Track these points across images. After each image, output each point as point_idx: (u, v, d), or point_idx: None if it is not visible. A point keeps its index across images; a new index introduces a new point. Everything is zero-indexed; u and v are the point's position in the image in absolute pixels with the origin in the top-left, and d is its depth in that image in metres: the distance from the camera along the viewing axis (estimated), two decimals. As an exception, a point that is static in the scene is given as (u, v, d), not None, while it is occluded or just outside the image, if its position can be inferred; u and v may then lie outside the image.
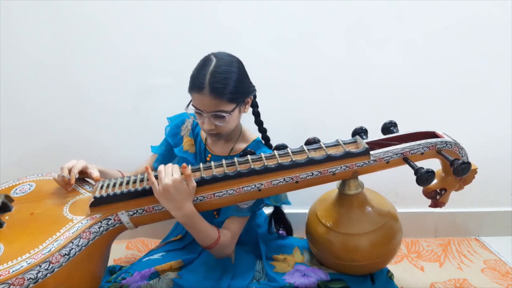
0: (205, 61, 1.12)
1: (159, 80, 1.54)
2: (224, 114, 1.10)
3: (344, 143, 1.10)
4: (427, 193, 1.18)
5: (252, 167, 1.04)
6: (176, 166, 1.03)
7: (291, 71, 1.54)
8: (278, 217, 1.41)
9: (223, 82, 1.08)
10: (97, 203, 1.02)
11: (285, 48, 1.51)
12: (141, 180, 1.07)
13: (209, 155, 1.29)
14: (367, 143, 1.09)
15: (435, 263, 1.57)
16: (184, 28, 1.47)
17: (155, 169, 1.35)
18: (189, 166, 1.05)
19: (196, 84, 1.09)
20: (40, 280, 0.86)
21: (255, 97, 1.24)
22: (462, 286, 1.44)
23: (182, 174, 1.01)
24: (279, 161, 1.05)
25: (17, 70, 1.50)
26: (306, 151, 1.08)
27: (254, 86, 1.20)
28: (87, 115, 1.58)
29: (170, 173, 1.00)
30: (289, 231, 1.44)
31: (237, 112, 1.16)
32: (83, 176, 1.16)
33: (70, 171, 1.10)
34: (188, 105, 1.16)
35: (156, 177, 1.01)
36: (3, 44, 1.46)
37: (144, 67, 1.53)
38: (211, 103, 1.08)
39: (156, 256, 1.26)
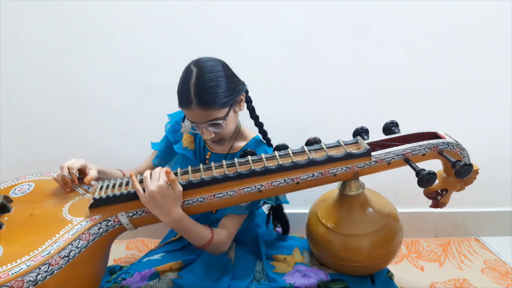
0: (186, 74, 1.07)
1: (160, 80, 1.54)
2: (219, 122, 1.07)
3: (345, 144, 1.09)
4: (428, 194, 1.18)
5: (252, 168, 1.04)
6: (163, 171, 1.01)
7: (291, 71, 1.54)
8: (277, 213, 1.40)
9: (209, 91, 1.03)
10: (97, 204, 1.02)
11: (285, 48, 1.51)
12: (140, 181, 1.07)
13: (209, 153, 1.28)
14: (368, 143, 1.08)
15: (435, 263, 1.57)
16: (184, 28, 1.47)
17: (154, 165, 1.36)
18: (179, 169, 1.04)
19: (182, 100, 1.06)
20: (39, 282, 0.86)
21: (247, 92, 1.20)
22: (462, 286, 1.44)
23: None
24: (280, 162, 1.04)
25: (17, 70, 1.50)
26: (307, 152, 1.07)
27: (243, 83, 1.16)
28: (87, 115, 1.58)
29: (156, 178, 0.99)
30: (286, 229, 1.42)
31: (233, 114, 1.13)
32: (82, 176, 1.16)
33: (70, 170, 1.10)
34: (183, 120, 1.14)
35: (142, 182, 1.00)
36: (3, 44, 1.46)
37: (144, 67, 1.52)
38: (203, 115, 1.06)
39: (156, 256, 1.26)
